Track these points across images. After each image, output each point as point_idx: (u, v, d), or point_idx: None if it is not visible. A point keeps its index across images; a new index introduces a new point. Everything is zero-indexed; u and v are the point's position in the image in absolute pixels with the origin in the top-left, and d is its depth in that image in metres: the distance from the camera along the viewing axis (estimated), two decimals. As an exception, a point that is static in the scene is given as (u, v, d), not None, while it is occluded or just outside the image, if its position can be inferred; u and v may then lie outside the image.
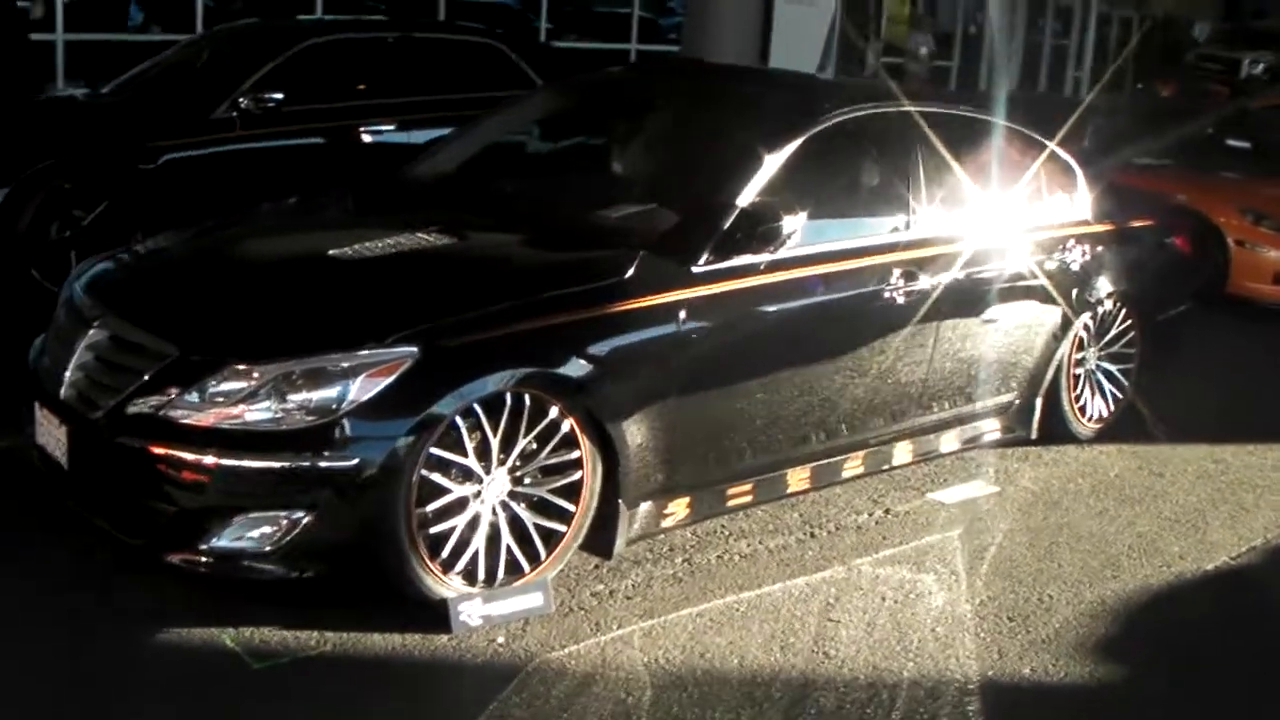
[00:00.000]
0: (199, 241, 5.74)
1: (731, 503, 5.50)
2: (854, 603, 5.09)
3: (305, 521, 4.48)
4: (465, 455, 4.68)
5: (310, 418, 4.46)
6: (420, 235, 5.37)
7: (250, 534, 4.51)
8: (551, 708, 4.34)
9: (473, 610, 4.74)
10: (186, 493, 4.51)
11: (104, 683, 4.36)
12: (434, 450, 4.60)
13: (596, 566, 5.21)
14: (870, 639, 4.86)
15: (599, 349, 4.87)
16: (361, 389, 4.47)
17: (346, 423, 4.45)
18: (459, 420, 4.61)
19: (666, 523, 5.27)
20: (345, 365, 4.49)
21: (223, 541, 4.52)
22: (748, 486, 5.52)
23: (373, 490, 4.48)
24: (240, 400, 4.48)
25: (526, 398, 4.73)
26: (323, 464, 4.44)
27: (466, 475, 4.73)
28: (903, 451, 6.08)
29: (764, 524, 5.68)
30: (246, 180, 8.37)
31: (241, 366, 4.51)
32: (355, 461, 4.44)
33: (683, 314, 5.06)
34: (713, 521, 5.59)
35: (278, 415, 4.46)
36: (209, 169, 8.55)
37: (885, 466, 6.01)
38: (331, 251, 5.22)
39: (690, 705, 4.39)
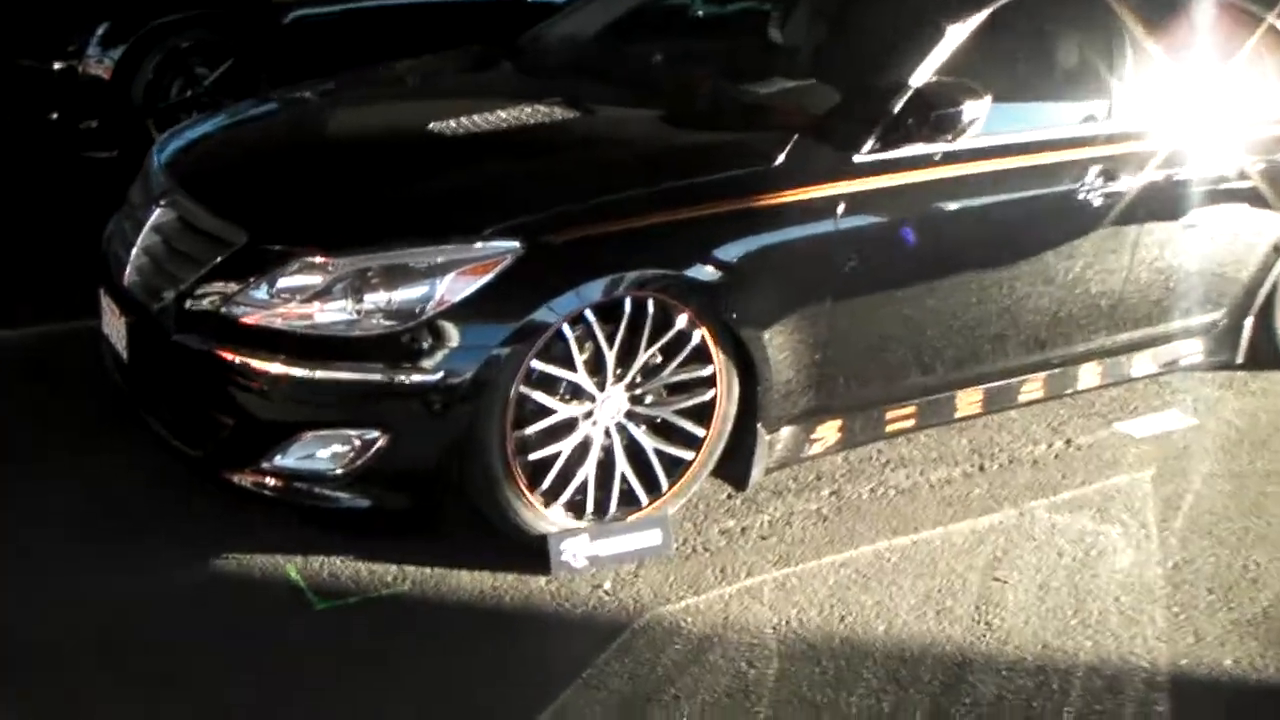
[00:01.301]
0: (290, 110, 4.89)
1: (890, 427, 4.56)
2: (1025, 558, 4.15)
3: (380, 443, 3.65)
4: (574, 370, 3.82)
5: (389, 322, 3.61)
6: (538, 108, 4.45)
7: (318, 454, 3.70)
8: (657, 678, 3.49)
9: (577, 549, 3.94)
10: (248, 403, 3.71)
11: (145, 615, 3.64)
12: (536, 364, 3.75)
13: (729, 497, 4.35)
14: (1042, 607, 3.92)
15: (739, 248, 3.93)
16: (450, 289, 3.61)
17: (431, 328, 3.60)
18: (567, 329, 3.74)
19: (813, 449, 4.38)
20: (431, 261, 3.63)
21: (287, 461, 3.72)
22: (910, 409, 4.58)
23: (461, 409, 3.64)
24: (311, 298, 3.64)
25: (650, 304, 3.84)
26: (401, 376, 3.60)
27: (575, 393, 3.88)
28: (1089, 374, 5.06)
29: (926, 452, 4.75)
30: (376, 40, 7.47)
31: (314, 259, 3.67)
32: (440, 375, 3.60)
33: (840, 209, 4.09)
34: (867, 448, 4.68)
35: (352, 317, 3.62)
36: (338, 27, 7.74)
37: (1068, 391, 4.99)
38: (433, 126, 4.31)
39: (823, 685, 3.51)
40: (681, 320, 3.90)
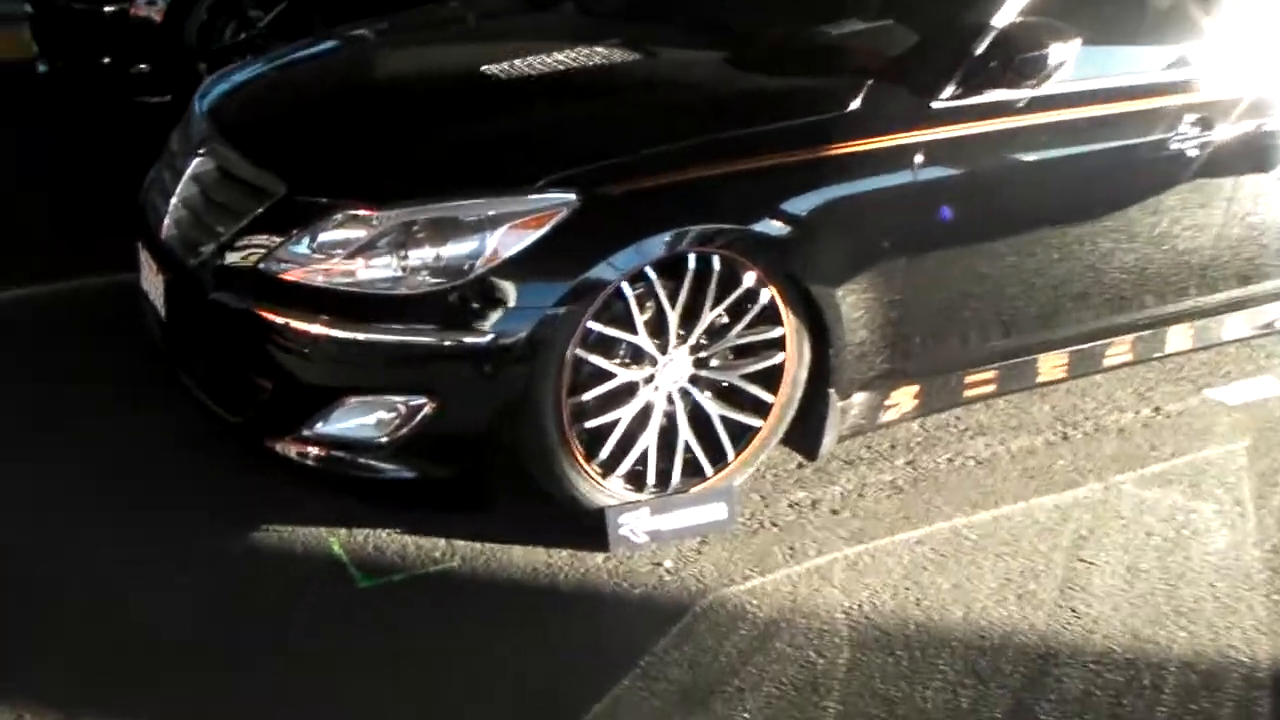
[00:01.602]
0: (340, 53, 4.60)
1: (970, 393, 4.22)
2: (1112, 537, 3.83)
3: (427, 410, 3.37)
4: (634, 331, 3.52)
5: (437, 280, 3.32)
6: (597, 50, 4.11)
7: (362, 421, 3.43)
8: (720, 667, 3.21)
9: (637, 523, 3.67)
10: (288, 365, 3.44)
11: (184, 592, 3.41)
12: (593, 325, 3.46)
13: (799, 466, 4.05)
14: (1131, 593, 3.60)
15: (810, 201, 3.60)
16: (502, 244, 3.32)
17: (481, 286, 3.31)
18: (626, 287, 3.44)
19: (888, 415, 4.06)
20: (481, 214, 3.33)
21: (329, 428, 3.45)
22: (990, 374, 4.25)
23: (513, 373, 3.36)
24: (354, 254, 3.36)
25: (715, 260, 3.53)
26: (449, 338, 3.32)
27: (636, 356, 3.59)
28: (1179, 336, 4.71)
29: (1006, 419, 4.44)
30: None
31: (358, 211, 3.38)
32: (491, 336, 3.31)
33: (918, 159, 3.74)
34: (944, 414, 4.37)
35: (398, 274, 3.33)
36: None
37: (1157, 355, 4.64)
38: (486, 69, 3.99)
39: (896, 677, 3.21)
40: (749, 278, 3.60)
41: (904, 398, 4.08)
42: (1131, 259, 4.33)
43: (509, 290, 3.34)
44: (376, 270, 3.37)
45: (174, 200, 3.84)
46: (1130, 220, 4.28)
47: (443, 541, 3.60)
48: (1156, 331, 4.57)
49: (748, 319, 3.66)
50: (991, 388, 4.27)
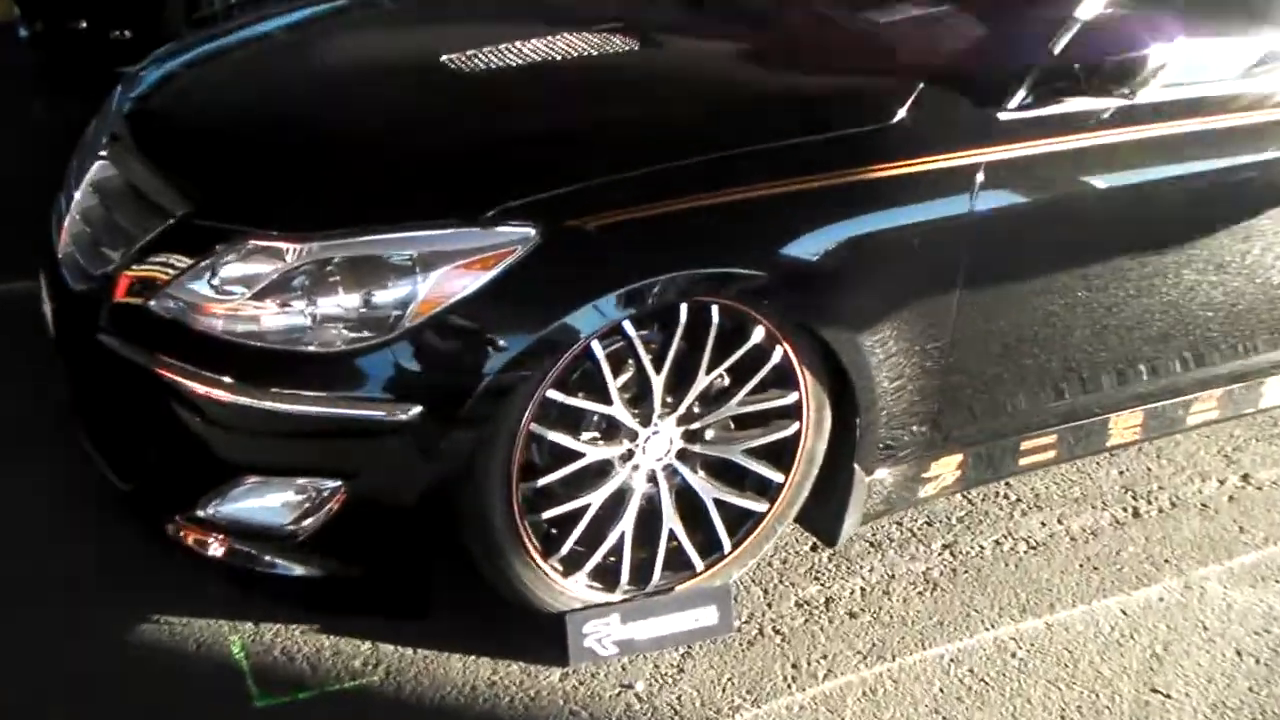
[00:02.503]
0: (287, 35, 3.67)
1: (1026, 460, 3.37)
2: (1194, 656, 2.99)
3: (342, 495, 2.60)
4: (608, 400, 2.72)
5: (355, 334, 2.53)
6: (586, 38, 3.24)
7: (265, 504, 2.65)
8: None
9: (605, 631, 2.88)
10: (178, 430, 2.65)
11: (41, 700, 2.68)
12: (554, 394, 2.67)
13: (814, 548, 3.29)
14: (1223, 740, 2.87)
15: (840, 236, 2.77)
16: (439, 290, 2.51)
17: (410, 344, 2.51)
18: (597, 347, 2.65)
19: (925, 491, 3.22)
20: (413, 252, 2.53)
21: (227, 509, 2.68)
22: (1051, 438, 3.39)
23: (449, 454, 2.57)
24: (261, 294, 2.56)
25: (714, 311, 2.74)
26: (367, 411, 2.55)
27: (610, 429, 2.80)
28: (1277, 389, 3.97)
29: (1066, 487, 3.59)
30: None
31: (266, 242, 2.60)
32: (420, 409, 2.52)
33: (979, 181, 2.92)
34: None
35: (307, 325, 2.56)
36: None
37: (1249, 410, 3.90)
38: (445, 61, 3.11)
39: None
40: (758, 333, 2.79)
41: (946, 469, 3.27)
42: (1222, 296, 3.51)
43: (446, 350, 2.54)
44: (285, 318, 2.57)
45: (72, 211, 3.09)
46: (1228, 253, 3.44)
47: (366, 646, 2.83)
48: (1252, 382, 3.76)
49: (754, 382, 2.87)
50: (1052, 454, 3.44)
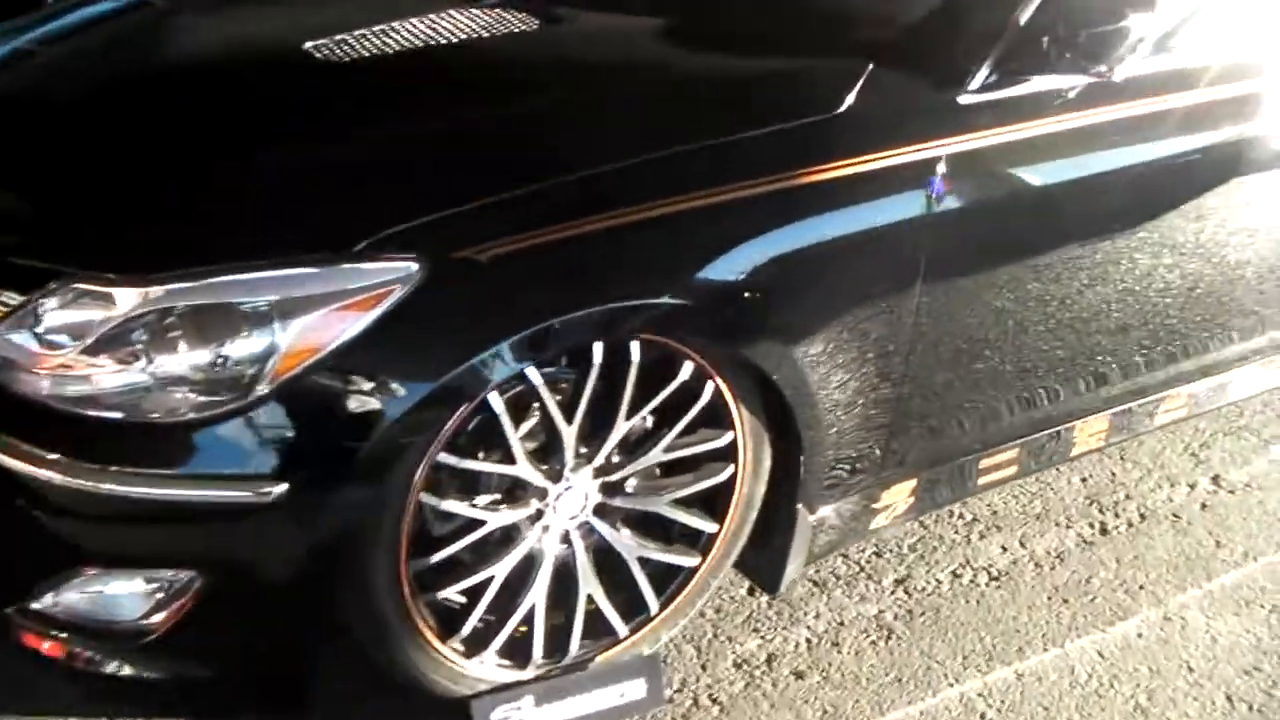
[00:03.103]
0: (123, 18, 3.08)
1: (985, 479, 2.92)
2: (1182, 705, 2.56)
3: (195, 587, 2.13)
4: (510, 459, 2.25)
5: (206, 397, 2.02)
6: (475, 18, 2.72)
7: (105, 597, 2.14)
8: None
9: (516, 716, 2.42)
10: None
11: None
12: (446, 458, 2.19)
13: (752, 593, 2.82)
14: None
15: (779, 250, 2.30)
16: (304, 340, 2.01)
17: (269, 409, 2.02)
18: (495, 400, 2.17)
19: (877, 521, 2.77)
20: (271, 297, 2.02)
21: (64, 600, 2.15)
22: (1011, 453, 2.96)
23: (322, 536, 2.09)
24: (93, 349, 2.03)
25: (634, 348, 2.28)
26: (220, 490, 2.04)
27: (513, 490, 2.33)
28: (1248, 380, 3.55)
29: (1025, 501, 3.16)
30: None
31: (91, 285, 2.09)
32: (284, 488, 2.04)
33: (939, 175, 2.49)
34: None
35: (145, 386, 2.09)
36: None
37: (1219, 404, 3.52)
38: (309, 48, 2.58)
39: None
40: (686, 369, 2.34)
41: (898, 496, 2.84)
42: (1203, 290, 3.09)
43: (314, 414, 2.05)
44: (124, 375, 2.07)
45: None
46: (1210, 241, 3.03)
47: None
48: (1223, 375, 3.37)
49: (682, 424, 2.41)
50: (1013, 470, 3.02)
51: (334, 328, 2.04)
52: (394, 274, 2.06)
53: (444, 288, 2.07)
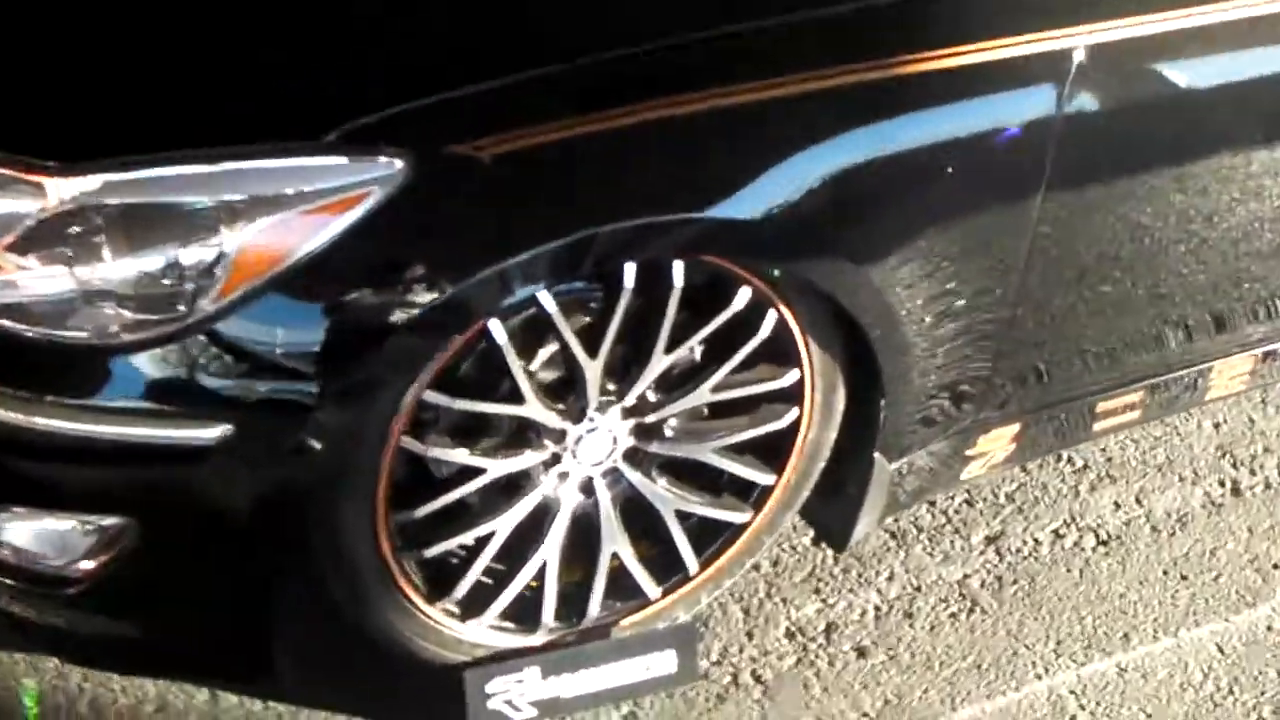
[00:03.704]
0: None
1: (1102, 424, 2.42)
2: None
3: (127, 536, 1.71)
4: (518, 398, 1.81)
5: (140, 315, 1.60)
6: None
7: (36, 541, 1.75)
8: None
9: (518, 689, 2.00)
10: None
11: None
12: (434, 397, 1.76)
13: (817, 543, 2.34)
14: None
15: (872, 155, 1.81)
16: (258, 250, 1.57)
17: (216, 332, 1.59)
18: (497, 329, 1.75)
19: (970, 470, 2.28)
20: (220, 197, 1.58)
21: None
22: (1136, 395, 2.48)
23: (277, 485, 1.70)
24: (20, 246, 1.59)
25: (678, 269, 1.83)
26: (152, 428, 1.65)
27: (521, 433, 1.90)
28: None
29: (1147, 448, 2.60)
30: None
31: (17, 173, 1.59)
32: (227, 429, 1.64)
33: (1070, 74, 1.92)
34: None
35: (74, 298, 1.62)
36: None
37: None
38: None
39: None
40: (743, 296, 1.91)
41: (997, 443, 2.34)
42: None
43: (265, 341, 1.66)
44: (55, 282, 1.65)
45: None
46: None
47: (203, 700, 2.05)
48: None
49: (736, 360, 1.96)
50: (1135, 415, 2.51)
51: (295, 236, 1.60)
52: (371, 173, 1.60)
53: (434, 191, 1.63)
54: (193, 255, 1.59)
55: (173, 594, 1.80)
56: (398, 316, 1.65)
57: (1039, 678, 2.15)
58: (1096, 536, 2.43)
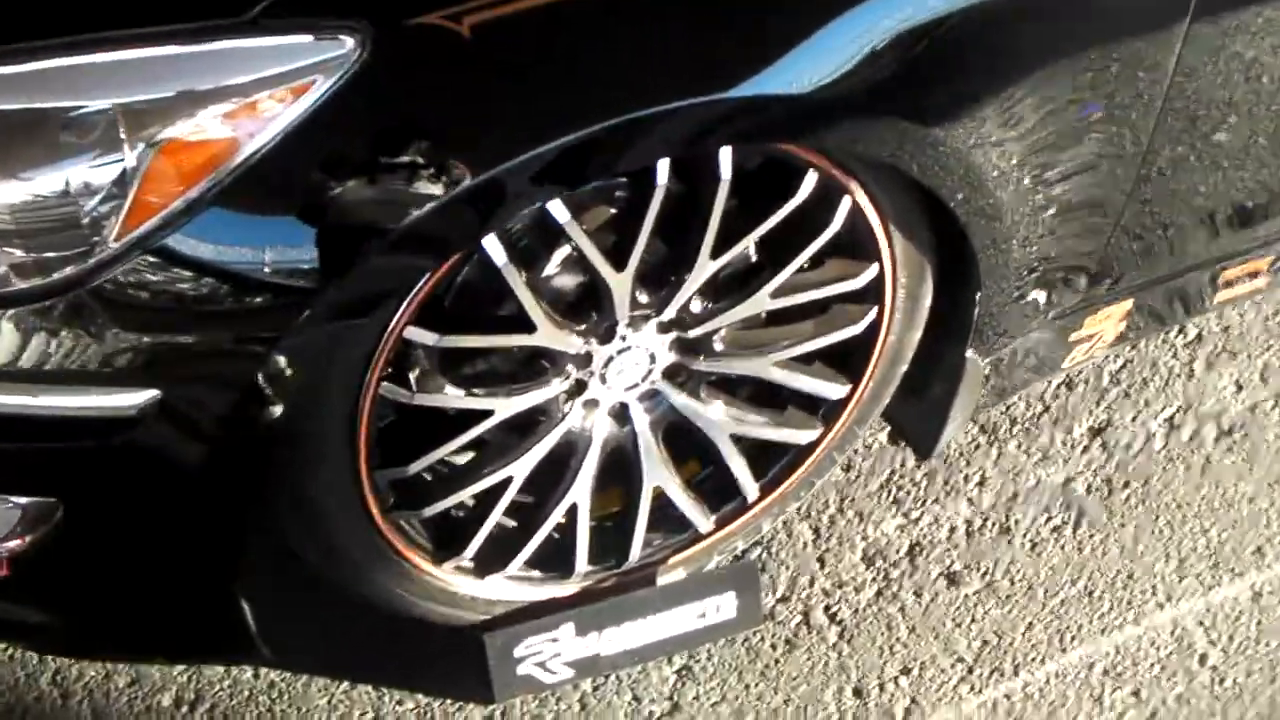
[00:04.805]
0: None
1: (1224, 294, 2.01)
2: None
3: (55, 518, 1.30)
4: (528, 327, 1.36)
5: (32, 255, 1.16)
6: None
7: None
8: None
9: (550, 649, 1.59)
10: None
11: None
12: (418, 333, 1.32)
13: (895, 442, 1.88)
14: None
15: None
16: (174, 163, 1.13)
17: (128, 272, 1.15)
18: (495, 248, 1.28)
19: (1074, 356, 1.83)
20: (120, 96, 1.15)
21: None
22: (1265, 260, 2.08)
23: (221, 459, 1.27)
24: None
25: (724, 158, 1.34)
26: (58, 397, 1.27)
27: (534, 364, 1.47)
28: None
29: (1270, 311, 2.11)
30: None
31: None
32: (152, 394, 1.24)
33: None
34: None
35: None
36: None
37: None
38: None
39: None
40: (808, 183, 1.45)
41: (1106, 323, 1.89)
42: None
43: (193, 284, 1.23)
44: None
45: None
46: None
47: (186, 682, 1.70)
48: None
49: (801, 259, 1.52)
50: (1262, 281, 2.09)
51: (219, 145, 1.19)
52: (314, 56, 1.16)
53: (398, 78, 1.18)
54: (90, 175, 1.17)
55: (116, 574, 1.42)
56: (366, 237, 1.23)
57: (1160, 606, 1.74)
58: (1218, 426, 1.98)
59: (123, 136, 1.15)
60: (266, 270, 1.21)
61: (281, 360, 1.25)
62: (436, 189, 1.21)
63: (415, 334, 1.31)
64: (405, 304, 1.28)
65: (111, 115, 1.15)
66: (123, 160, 1.16)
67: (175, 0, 1.16)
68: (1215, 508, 1.87)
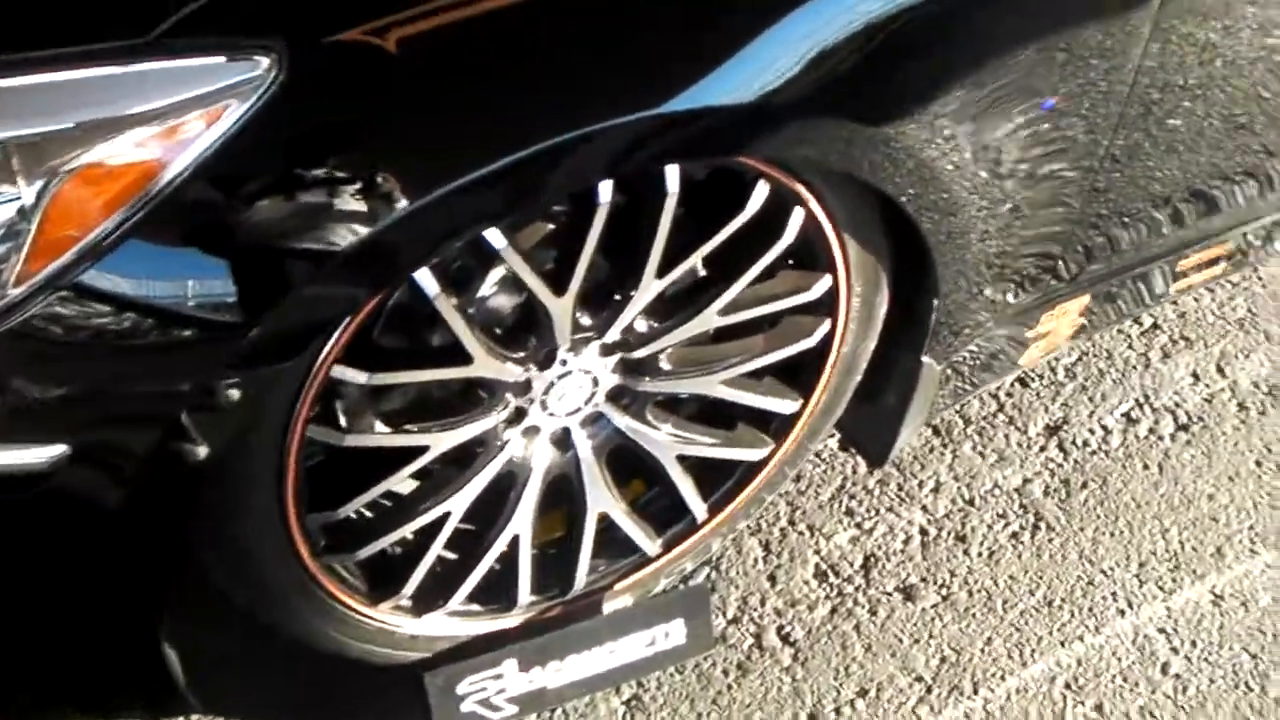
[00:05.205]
0: None
1: (1182, 283, 1.94)
2: None
3: None
4: (463, 358, 1.27)
5: None
6: None
7: None
8: None
9: (494, 686, 1.51)
10: None
11: None
12: (345, 373, 1.23)
13: (845, 449, 1.84)
14: None
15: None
16: (75, 202, 1.03)
17: (30, 321, 1.05)
18: (426, 279, 1.20)
19: (1029, 354, 1.78)
20: (12, 131, 1.02)
21: None
22: (1222, 246, 1.99)
23: (140, 513, 1.18)
24: None
25: (671, 175, 1.25)
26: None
27: (474, 395, 1.37)
28: None
29: (1224, 297, 2.10)
30: None
31: None
32: (61, 450, 1.12)
33: None
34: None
35: None
36: None
37: None
38: None
39: None
40: (759, 193, 1.36)
41: (1062, 320, 1.85)
42: None
43: (101, 331, 1.10)
44: None
45: None
46: None
47: None
48: None
49: (752, 274, 1.43)
50: (1220, 268, 2.05)
51: (133, 173, 1.09)
52: (227, 78, 1.07)
53: (319, 99, 1.09)
54: (-12, 209, 1.08)
55: (29, 617, 1.33)
56: (289, 269, 1.14)
57: (1121, 614, 1.70)
58: (1175, 419, 1.94)
59: (16, 169, 1.07)
60: (190, 304, 1.12)
61: (206, 398, 1.17)
62: (363, 217, 1.13)
63: (343, 373, 1.22)
64: (332, 341, 1.20)
65: (4, 149, 1.06)
66: (20, 199, 1.07)
67: (70, 22, 1.06)
68: (1175, 506, 1.83)
